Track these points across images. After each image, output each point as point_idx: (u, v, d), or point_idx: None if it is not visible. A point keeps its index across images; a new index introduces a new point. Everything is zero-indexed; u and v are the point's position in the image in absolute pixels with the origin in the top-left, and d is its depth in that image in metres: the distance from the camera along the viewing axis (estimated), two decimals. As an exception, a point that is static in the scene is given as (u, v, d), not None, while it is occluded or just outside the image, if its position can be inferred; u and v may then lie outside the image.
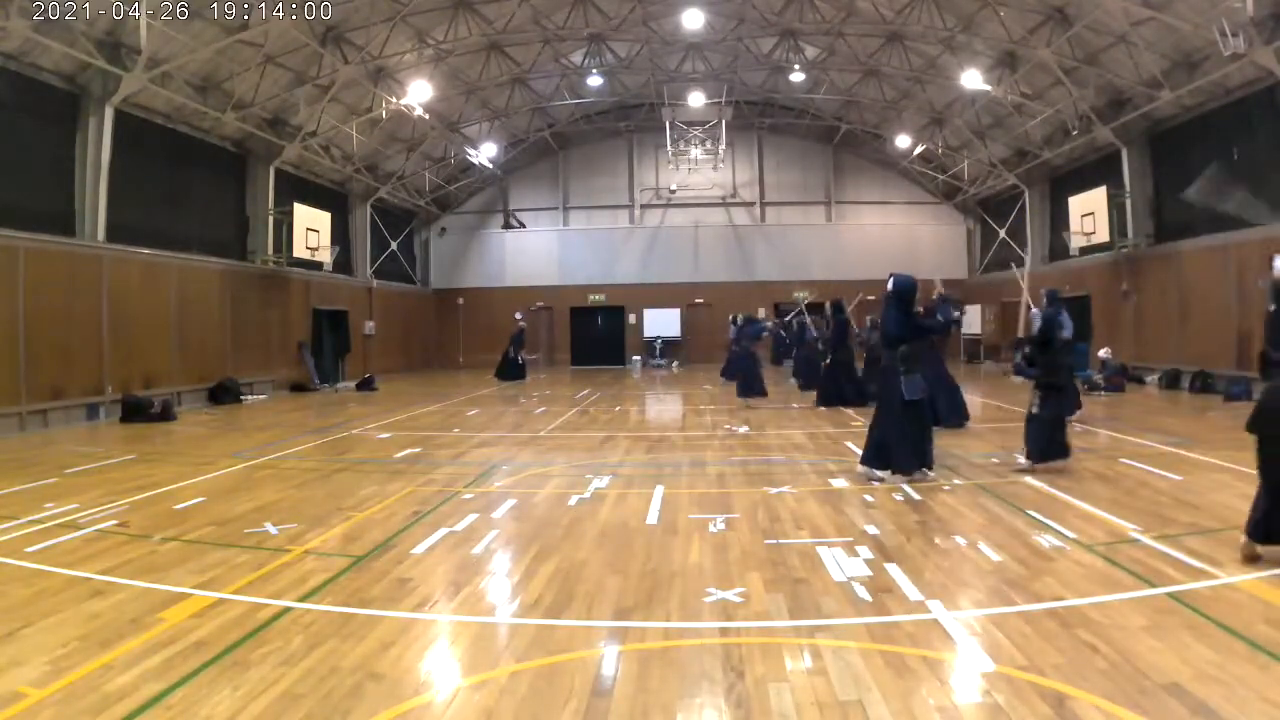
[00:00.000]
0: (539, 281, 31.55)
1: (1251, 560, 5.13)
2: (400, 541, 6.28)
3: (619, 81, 26.77)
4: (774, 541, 6.10)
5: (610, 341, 31.62)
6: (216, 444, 12.06)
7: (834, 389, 15.49)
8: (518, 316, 26.30)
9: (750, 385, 16.99)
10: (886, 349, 8.50)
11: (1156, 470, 8.51)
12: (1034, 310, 9.36)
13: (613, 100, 28.82)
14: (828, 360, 16.16)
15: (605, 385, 21.76)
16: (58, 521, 6.93)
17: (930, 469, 8.32)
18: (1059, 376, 8.73)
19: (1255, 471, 5.43)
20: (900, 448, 8.14)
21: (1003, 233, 28.03)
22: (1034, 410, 8.48)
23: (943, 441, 11.11)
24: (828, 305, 17.02)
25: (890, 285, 8.37)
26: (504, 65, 23.24)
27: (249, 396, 18.98)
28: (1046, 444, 8.42)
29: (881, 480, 8.18)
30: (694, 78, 25.58)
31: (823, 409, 14.98)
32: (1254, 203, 15.52)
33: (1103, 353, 18.30)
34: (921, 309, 9.12)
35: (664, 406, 17.67)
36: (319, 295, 23.51)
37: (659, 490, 8.03)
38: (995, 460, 9.29)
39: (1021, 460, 8.61)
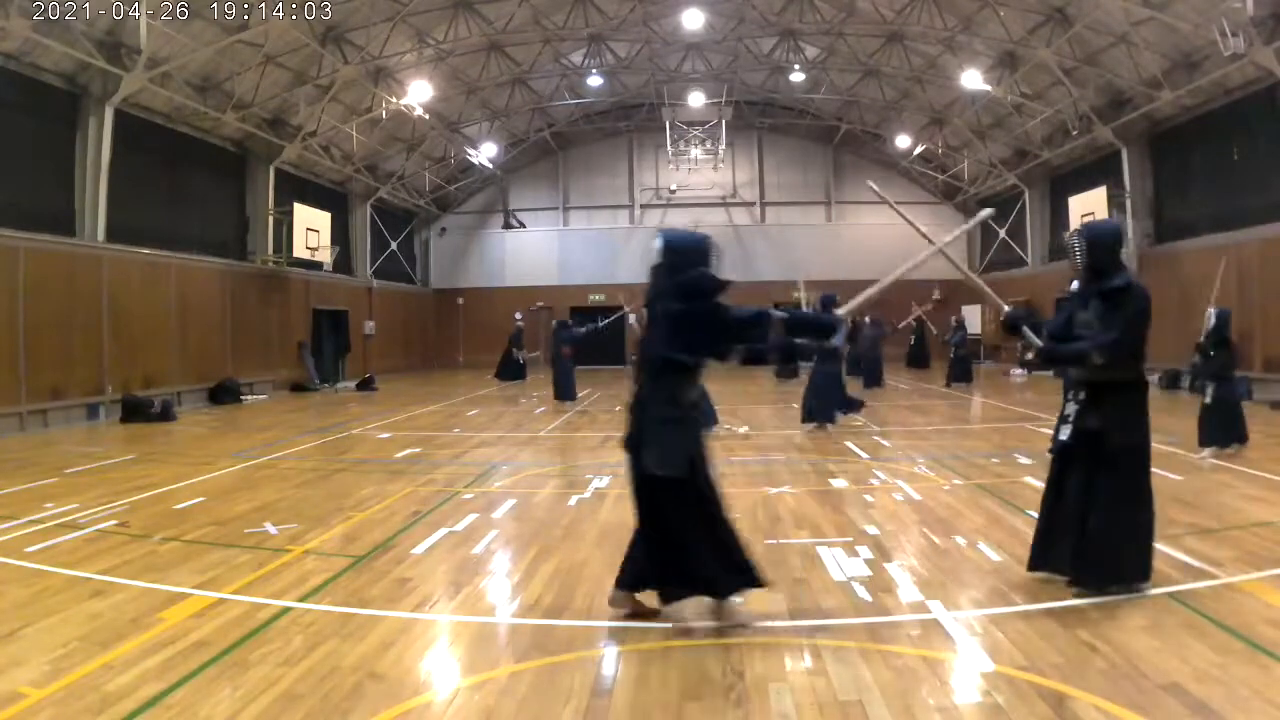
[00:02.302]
0: (539, 281, 31.54)
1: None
2: (400, 541, 6.28)
3: (619, 81, 26.77)
4: (774, 541, 6.09)
5: (610, 341, 31.58)
6: (216, 444, 12.05)
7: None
8: (517, 317, 26.29)
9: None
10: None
11: (1157, 470, 8.46)
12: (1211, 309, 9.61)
13: (613, 100, 28.83)
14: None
15: (605, 385, 21.76)
16: (58, 521, 6.93)
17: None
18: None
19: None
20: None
21: (1003, 233, 28.02)
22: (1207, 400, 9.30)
23: (944, 442, 11.10)
24: (807, 301, 16.09)
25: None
26: (504, 65, 23.24)
27: (249, 396, 18.98)
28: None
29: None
30: (694, 78, 25.59)
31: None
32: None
33: None
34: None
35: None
36: (319, 295, 23.51)
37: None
38: (995, 460, 9.30)
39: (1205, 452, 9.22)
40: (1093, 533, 4.56)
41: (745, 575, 4.40)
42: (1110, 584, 4.63)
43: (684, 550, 4.31)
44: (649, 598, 4.52)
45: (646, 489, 4.34)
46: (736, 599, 4.47)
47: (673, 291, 4.36)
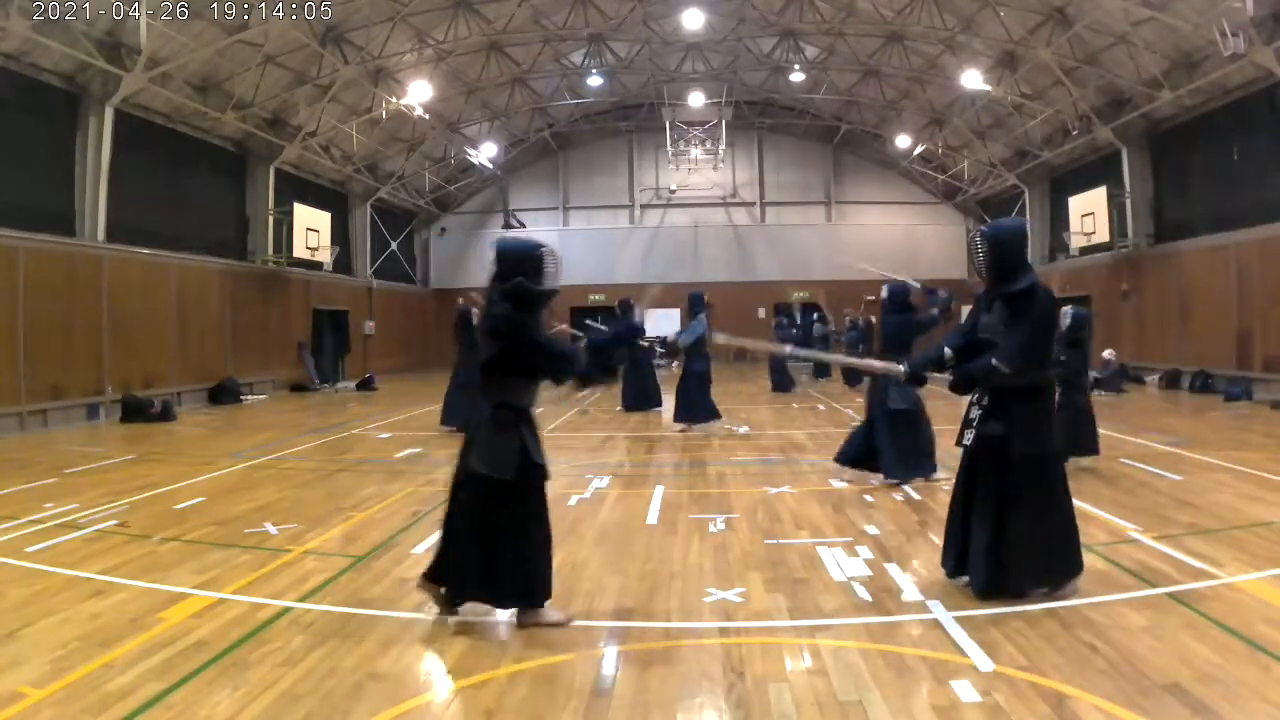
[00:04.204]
0: (539, 281, 31.51)
1: None
2: (400, 541, 6.28)
3: (619, 81, 26.77)
4: (774, 541, 6.09)
5: (610, 341, 31.58)
6: (216, 444, 12.05)
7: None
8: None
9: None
10: (888, 353, 8.38)
11: (1156, 470, 8.51)
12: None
13: (613, 100, 28.83)
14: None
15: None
16: (58, 521, 6.93)
17: (929, 474, 8.12)
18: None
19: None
20: (886, 455, 8.03)
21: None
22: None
23: (943, 441, 11.14)
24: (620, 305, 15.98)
25: (885, 293, 8.36)
26: (504, 65, 23.24)
27: (249, 396, 18.97)
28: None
29: (848, 482, 8.16)
30: (694, 78, 25.59)
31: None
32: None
33: (1107, 354, 18.27)
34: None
35: (664, 406, 17.63)
36: (319, 295, 23.50)
37: (659, 490, 8.03)
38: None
39: None
40: (1013, 540, 4.47)
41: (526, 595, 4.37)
42: (1035, 588, 4.56)
43: (491, 550, 4.28)
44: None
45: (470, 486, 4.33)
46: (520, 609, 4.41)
47: (495, 298, 4.37)
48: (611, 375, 5.05)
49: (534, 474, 4.36)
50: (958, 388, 4.72)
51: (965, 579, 4.75)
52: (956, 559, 4.78)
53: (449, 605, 4.46)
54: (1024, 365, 4.45)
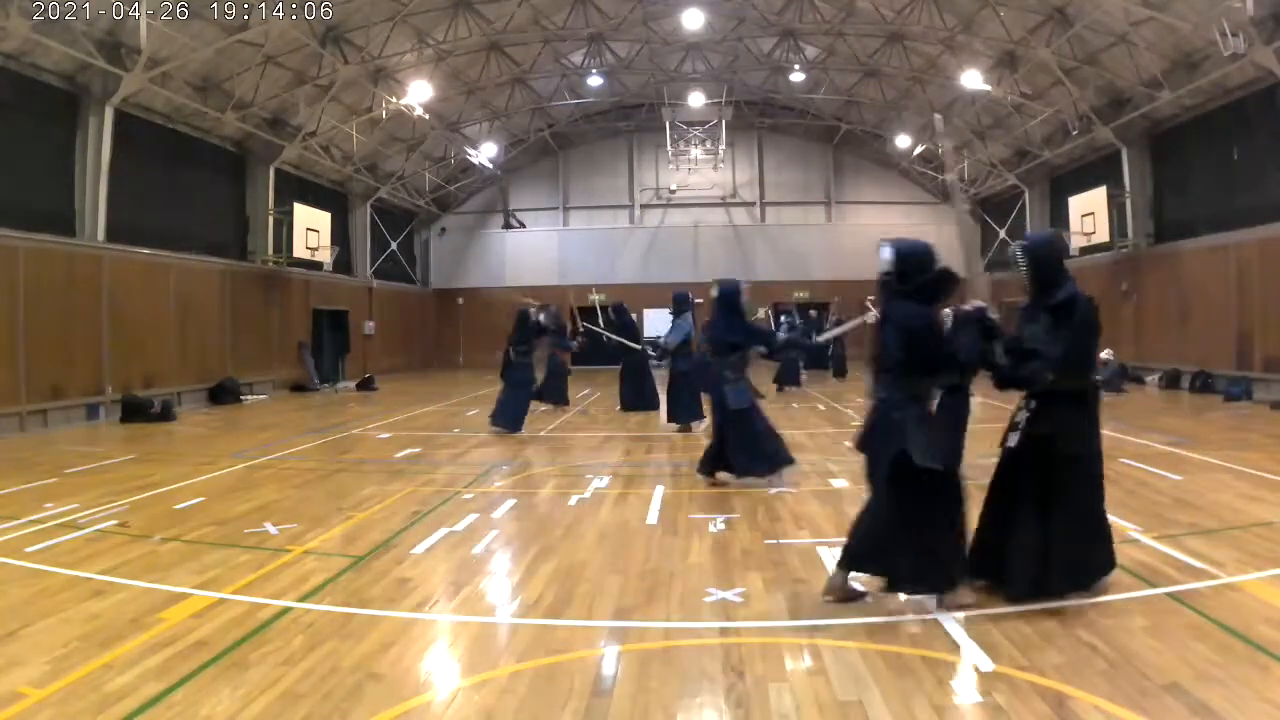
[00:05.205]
0: (539, 281, 31.46)
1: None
2: (400, 541, 6.29)
3: (619, 81, 26.76)
4: (774, 541, 6.10)
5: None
6: (216, 444, 12.06)
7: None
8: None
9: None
10: (716, 356, 8.38)
11: (1156, 470, 8.51)
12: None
13: (613, 100, 28.82)
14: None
15: (605, 385, 21.74)
16: (58, 521, 6.93)
17: (777, 471, 8.17)
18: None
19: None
20: (739, 454, 8.13)
21: (1003, 233, 27.99)
22: None
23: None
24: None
25: (715, 292, 8.40)
26: (504, 65, 23.24)
27: (249, 396, 18.98)
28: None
29: (719, 484, 8.20)
30: (694, 78, 25.58)
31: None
32: None
33: (1105, 354, 18.28)
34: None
35: (664, 406, 17.62)
36: (319, 295, 23.50)
37: (659, 490, 8.03)
38: (993, 460, 9.27)
39: None
40: (1058, 540, 4.53)
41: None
42: (1074, 590, 4.60)
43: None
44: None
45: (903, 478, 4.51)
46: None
47: (896, 298, 4.64)
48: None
49: (953, 465, 4.69)
50: (1002, 386, 4.92)
51: (982, 581, 4.75)
52: (980, 561, 4.77)
53: (890, 590, 4.62)
54: (1067, 371, 4.62)
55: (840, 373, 22.07)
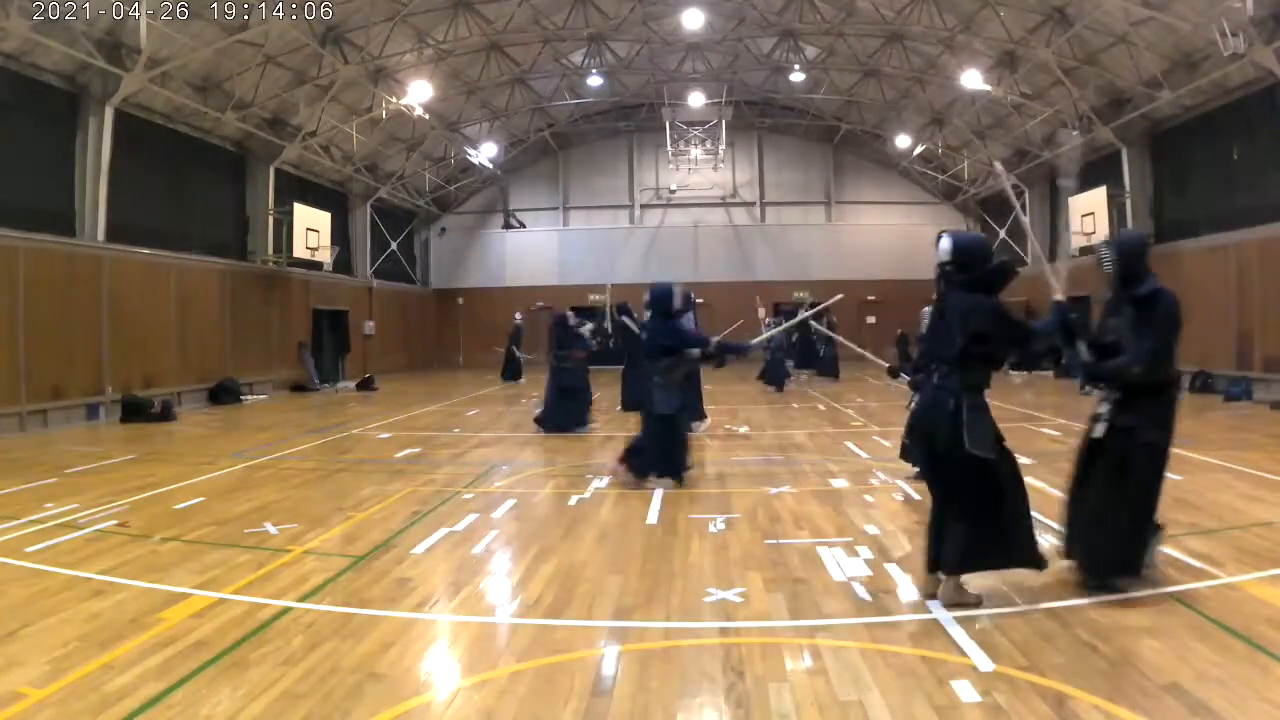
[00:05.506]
0: (539, 281, 31.53)
1: None
2: (400, 541, 6.28)
3: (619, 81, 26.77)
4: (774, 541, 6.10)
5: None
6: (216, 444, 12.06)
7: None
8: (516, 317, 26.27)
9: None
10: (649, 360, 8.43)
11: (1156, 470, 8.49)
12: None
13: (613, 100, 28.83)
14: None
15: (605, 385, 21.75)
16: (58, 521, 6.93)
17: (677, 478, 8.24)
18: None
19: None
20: (650, 453, 8.23)
21: (1003, 233, 28.01)
22: None
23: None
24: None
25: (646, 296, 8.44)
26: (504, 65, 23.25)
27: (249, 396, 18.98)
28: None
29: (617, 479, 8.33)
30: (694, 78, 25.58)
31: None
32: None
33: None
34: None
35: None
36: (319, 295, 23.51)
37: (659, 490, 8.03)
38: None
39: None
40: (1113, 526, 4.72)
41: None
42: (1126, 574, 4.78)
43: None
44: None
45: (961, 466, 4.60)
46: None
47: (957, 289, 4.69)
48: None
49: (1004, 450, 4.73)
50: (1091, 381, 5.09)
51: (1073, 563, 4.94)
52: (1069, 543, 4.98)
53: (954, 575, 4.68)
54: (1153, 364, 4.77)
55: (827, 372, 22.02)
